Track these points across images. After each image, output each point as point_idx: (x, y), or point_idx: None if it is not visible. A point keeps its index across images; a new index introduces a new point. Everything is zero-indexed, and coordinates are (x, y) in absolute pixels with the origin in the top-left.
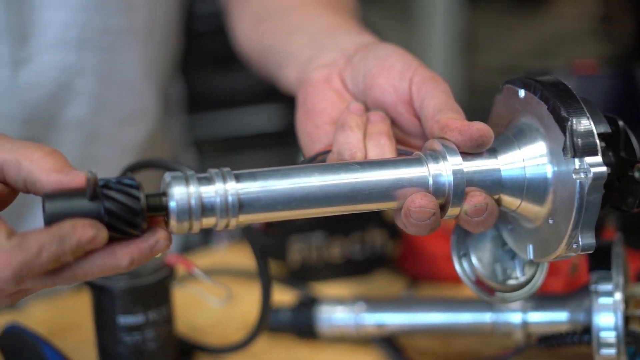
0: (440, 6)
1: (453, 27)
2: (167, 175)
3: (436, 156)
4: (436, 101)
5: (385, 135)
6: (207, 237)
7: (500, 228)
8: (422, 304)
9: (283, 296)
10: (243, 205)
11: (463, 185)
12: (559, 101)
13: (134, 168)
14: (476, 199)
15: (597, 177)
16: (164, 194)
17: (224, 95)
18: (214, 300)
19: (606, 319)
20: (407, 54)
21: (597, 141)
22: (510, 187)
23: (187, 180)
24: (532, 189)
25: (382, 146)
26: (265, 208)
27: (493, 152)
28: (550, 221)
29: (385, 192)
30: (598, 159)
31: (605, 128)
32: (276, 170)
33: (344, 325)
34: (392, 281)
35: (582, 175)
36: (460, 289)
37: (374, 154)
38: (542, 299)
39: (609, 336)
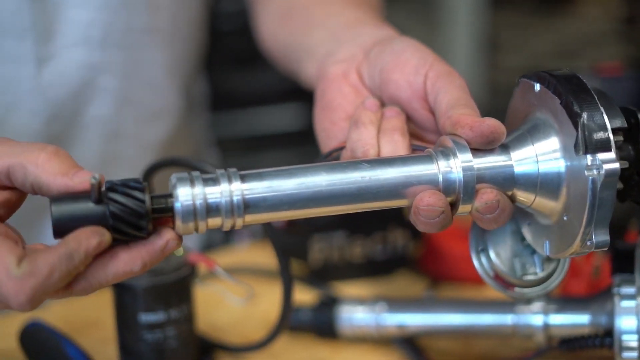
0: (464, 7)
1: (476, 27)
2: (173, 177)
3: (447, 153)
4: (450, 97)
5: (399, 132)
6: (228, 235)
7: (520, 223)
8: (443, 305)
9: (304, 295)
10: (249, 205)
11: (473, 183)
12: (572, 96)
13: (157, 166)
14: (487, 196)
15: (609, 173)
16: (170, 195)
17: (247, 94)
18: (235, 299)
19: (628, 322)
20: (423, 48)
21: (611, 136)
22: (524, 183)
23: (192, 182)
24: (545, 185)
25: (395, 142)
26: (271, 208)
27: (506, 148)
28: (565, 217)
29: (394, 190)
30: (611, 155)
31: (620, 122)
32: (282, 170)
33: (364, 326)
34: (413, 281)
35: (595, 172)
36: (481, 290)
37: (387, 150)
38: (564, 301)
39: (631, 339)
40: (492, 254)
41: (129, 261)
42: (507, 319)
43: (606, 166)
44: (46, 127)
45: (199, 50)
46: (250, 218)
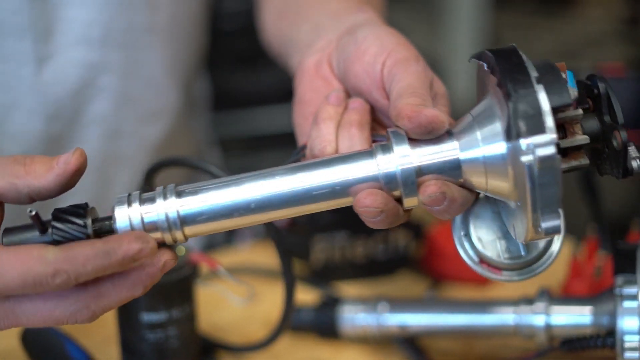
0: (466, 7)
1: (478, 28)
2: (114, 199)
3: (386, 147)
4: (400, 85)
5: (356, 125)
6: (230, 235)
7: (499, 205)
8: (445, 305)
9: (306, 295)
10: (185, 220)
11: (412, 176)
12: (507, 75)
13: (159, 166)
14: (430, 189)
15: (544, 158)
16: (110, 217)
17: (249, 94)
18: (237, 299)
19: (630, 322)
20: (386, 35)
21: (546, 118)
22: (472, 169)
23: (130, 202)
24: (493, 170)
25: (351, 137)
26: (208, 220)
27: (451, 135)
28: (518, 203)
29: (333, 191)
30: (546, 137)
31: (563, 100)
32: (219, 182)
33: (366, 326)
34: (415, 282)
35: (530, 157)
36: (483, 290)
37: (343, 146)
38: (566, 301)
39: (633, 340)
40: (474, 239)
41: (131, 287)
42: (508, 319)
43: (540, 151)
44: (46, 127)
45: (199, 49)
46: (190, 231)
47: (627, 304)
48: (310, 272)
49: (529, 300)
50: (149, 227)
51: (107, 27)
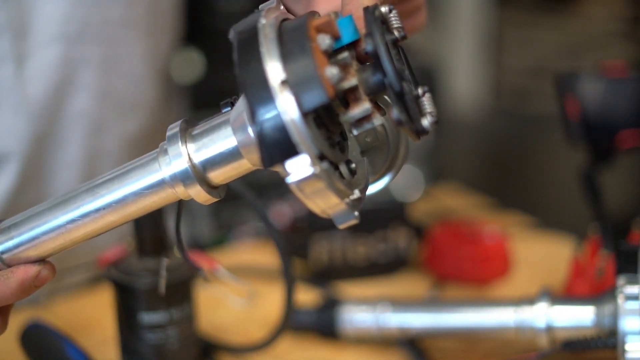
0: (468, 5)
1: (480, 26)
2: None
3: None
4: None
5: None
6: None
7: None
8: (446, 306)
9: (306, 295)
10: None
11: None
12: (249, 89)
13: None
14: None
15: (300, 181)
16: None
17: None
18: (237, 299)
19: (632, 323)
20: None
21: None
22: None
23: None
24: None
25: None
26: (26, 250)
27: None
28: None
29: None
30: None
31: (315, 101)
32: (27, 216)
33: (367, 326)
34: (416, 282)
35: (289, 180)
36: (484, 291)
37: None
38: (568, 301)
39: (635, 341)
40: None
41: None
42: (510, 320)
43: (295, 176)
44: (29, 126)
45: (175, 40)
46: (10, 259)
47: (629, 304)
48: (310, 272)
49: (530, 301)
50: None
51: (84, 22)
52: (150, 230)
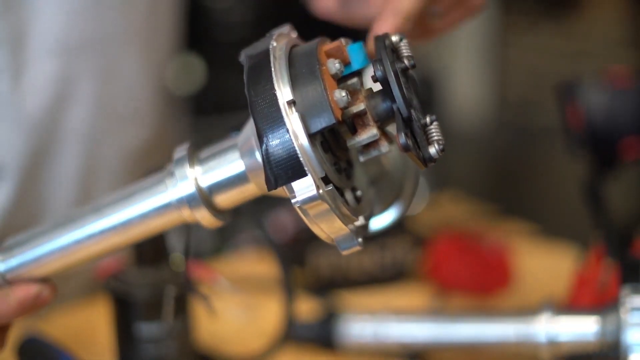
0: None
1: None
2: None
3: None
4: None
5: None
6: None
7: None
8: (447, 319)
9: (306, 305)
10: (8, 271)
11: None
12: (260, 113)
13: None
14: None
15: (305, 201)
16: None
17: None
18: (236, 311)
19: (636, 335)
20: None
21: (301, 153)
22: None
23: None
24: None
25: None
26: (29, 270)
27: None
28: None
29: (136, 228)
30: (305, 182)
31: (322, 123)
32: (34, 234)
33: (367, 338)
34: (418, 292)
35: (294, 202)
36: (486, 301)
37: None
38: (571, 313)
39: (638, 353)
40: None
41: None
42: (512, 332)
43: (300, 197)
44: (26, 140)
45: (174, 52)
46: (12, 277)
47: (633, 316)
48: (310, 282)
49: (533, 312)
50: None
51: (82, 35)
52: (149, 241)
